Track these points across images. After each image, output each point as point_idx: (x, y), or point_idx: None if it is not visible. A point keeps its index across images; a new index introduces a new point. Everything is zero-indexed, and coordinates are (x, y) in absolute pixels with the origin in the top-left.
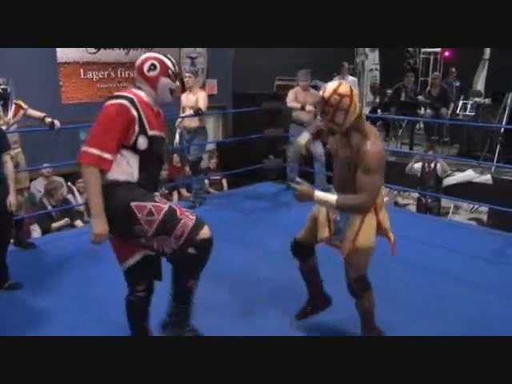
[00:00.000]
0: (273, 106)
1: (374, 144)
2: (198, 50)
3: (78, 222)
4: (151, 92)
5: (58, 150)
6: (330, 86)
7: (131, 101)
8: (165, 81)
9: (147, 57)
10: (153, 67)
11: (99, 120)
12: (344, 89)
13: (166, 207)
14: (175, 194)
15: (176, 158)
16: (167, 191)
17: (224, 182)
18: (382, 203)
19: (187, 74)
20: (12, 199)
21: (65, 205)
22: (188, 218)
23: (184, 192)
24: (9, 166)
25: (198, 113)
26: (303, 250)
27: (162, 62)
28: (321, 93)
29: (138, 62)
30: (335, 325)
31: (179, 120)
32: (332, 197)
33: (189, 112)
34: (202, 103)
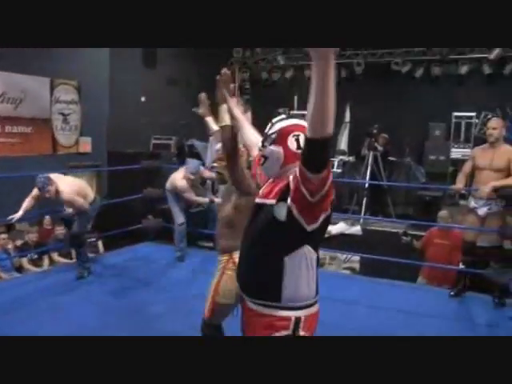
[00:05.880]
0: (153, 165)
1: None
2: (71, 106)
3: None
4: None
5: None
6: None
7: None
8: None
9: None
10: None
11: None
12: None
13: None
14: (46, 259)
15: (47, 219)
16: (36, 256)
17: (100, 244)
18: None
19: None
20: None
21: None
22: None
23: (55, 256)
24: None
25: None
26: None
27: None
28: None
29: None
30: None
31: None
32: None
33: None
34: None
